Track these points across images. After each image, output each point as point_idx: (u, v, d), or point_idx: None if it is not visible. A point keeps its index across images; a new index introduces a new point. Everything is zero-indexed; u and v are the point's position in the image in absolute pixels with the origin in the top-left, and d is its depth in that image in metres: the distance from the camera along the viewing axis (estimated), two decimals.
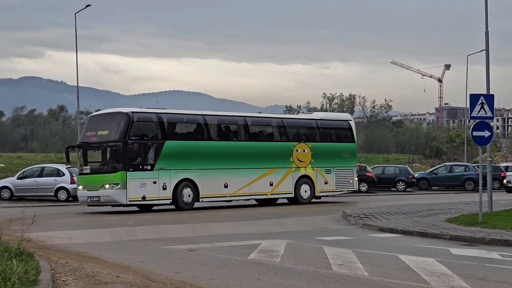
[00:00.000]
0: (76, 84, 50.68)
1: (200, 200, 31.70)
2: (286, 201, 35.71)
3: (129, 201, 29.57)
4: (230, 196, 33.28)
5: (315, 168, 35.59)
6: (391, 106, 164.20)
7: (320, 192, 35.85)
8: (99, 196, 29.50)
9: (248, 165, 33.38)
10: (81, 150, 31.53)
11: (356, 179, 38.55)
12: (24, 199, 37.42)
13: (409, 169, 53.26)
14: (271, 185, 33.96)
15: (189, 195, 31.02)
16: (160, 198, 30.48)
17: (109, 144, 30.30)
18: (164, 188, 30.36)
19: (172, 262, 14.31)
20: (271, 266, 13.75)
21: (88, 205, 31.20)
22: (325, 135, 37.21)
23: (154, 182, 30.11)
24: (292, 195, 34.88)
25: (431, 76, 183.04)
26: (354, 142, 38.21)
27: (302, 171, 35.17)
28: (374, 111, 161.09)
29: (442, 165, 55.19)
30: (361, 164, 51.44)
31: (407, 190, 47.95)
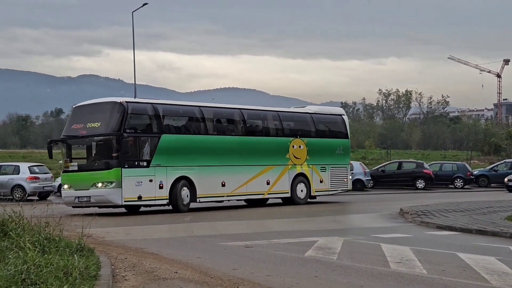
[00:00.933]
0: (134, 82, 51.21)
1: (198, 200, 29.10)
2: (277, 201, 34.56)
3: (125, 201, 26.59)
4: (227, 196, 30.98)
5: (310, 166, 33.71)
6: (448, 102, 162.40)
7: (315, 191, 33.81)
8: (90, 196, 26.29)
9: (246, 162, 31.18)
10: (65, 145, 28.20)
11: (350, 177, 36.92)
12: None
13: (467, 166, 52.42)
14: (268, 183, 31.75)
15: (187, 195, 28.42)
16: (156, 198, 27.64)
17: (101, 137, 27.00)
18: (161, 187, 27.56)
19: (229, 258, 14.38)
20: (328, 263, 13.72)
21: (74, 206, 27.26)
22: (320, 131, 35.20)
23: (150, 180, 27.21)
24: (288, 195, 32.73)
25: (489, 71, 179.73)
26: (347, 138, 36.54)
27: (298, 169, 33.22)
28: (431, 107, 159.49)
29: (502, 161, 54.19)
30: (418, 161, 51.10)
31: (465, 187, 47.31)
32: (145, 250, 15.52)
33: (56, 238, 13.12)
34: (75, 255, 11.73)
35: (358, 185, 42.05)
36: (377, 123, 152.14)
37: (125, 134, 25.80)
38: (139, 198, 26.95)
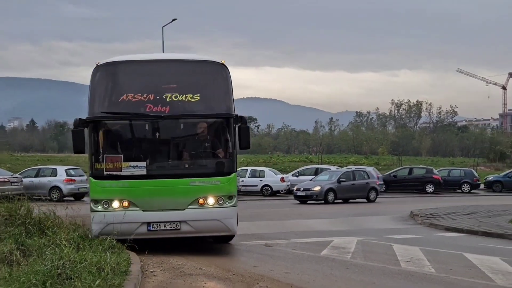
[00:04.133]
0: None
1: None
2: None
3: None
4: None
5: None
6: (456, 112, 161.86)
7: None
8: (185, 222, 13.78)
9: None
10: (106, 130, 14.21)
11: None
12: None
13: (474, 172, 52.00)
14: None
15: None
16: None
17: (208, 120, 14.39)
18: None
19: (251, 256, 14.40)
20: (342, 262, 13.70)
21: (137, 238, 13.43)
22: None
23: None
24: None
25: (495, 84, 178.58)
26: None
27: None
28: (440, 117, 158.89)
29: None
30: (428, 167, 50.75)
31: (472, 191, 46.95)
32: (172, 248, 15.53)
33: (90, 236, 13.21)
34: (107, 252, 11.78)
35: (371, 195, 39.58)
36: (390, 131, 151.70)
37: (242, 117, 14.19)
38: None
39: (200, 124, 14.27)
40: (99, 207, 13.58)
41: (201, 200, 13.68)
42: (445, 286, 11.10)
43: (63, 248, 11.18)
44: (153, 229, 13.62)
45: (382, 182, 43.59)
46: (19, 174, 35.38)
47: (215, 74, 14.35)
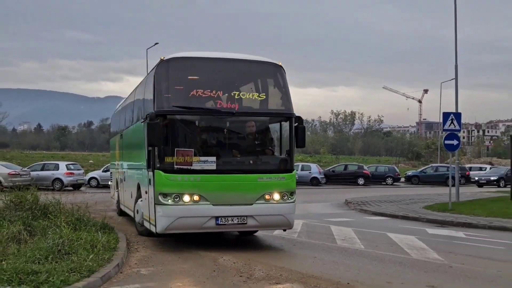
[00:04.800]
0: None
1: None
2: None
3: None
4: None
5: None
6: (382, 120, 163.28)
7: None
8: (251, 216, 11.64)
9: None
10: (170, 124, 11.49)
11: None
12: (107, 186, 37.65)
13: (396, 168, 52.67)
14: None
15: None
16: None
17: (273, 118, 12.50)
18: None
19: (199, 235, 14.28)
20: (290, 239, 13.70)
21: (203, 231, 11.89)
22: None
23: None
24: None
25: (413, 98, 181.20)
26: None
27: None
28: (370, 124, 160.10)
29: (429, 166, 54.32)
30: (359, 164, 51.17)
31: (394, 184, 47.42)
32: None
33: (85, 219, 13.04)
34: (99, 232, 11.69)
35: (314, 182, 42.31)
36: (329, 135, 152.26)
37: (299, 117, 12.30)
38: None
39: (266, 122, 12.35)
40: (169, 200, 11.11)
41: (267, 196, 11.62)
42: (372, 259, 11.17)
43: (63, 229, 11.03)
44: (221, 223, 11.42)
45: (323, 176, 43.96)
46: (28, 168, 34.94)
47: (276, 75, 12.32)
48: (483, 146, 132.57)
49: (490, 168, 52.37)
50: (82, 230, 11.61)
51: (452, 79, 25.56)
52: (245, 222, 11.54)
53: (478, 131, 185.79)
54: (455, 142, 20.99)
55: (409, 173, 51.35)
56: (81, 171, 36.59)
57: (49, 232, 10.83)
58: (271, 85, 12.33)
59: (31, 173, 33.41)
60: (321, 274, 9.49)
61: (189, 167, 11.12)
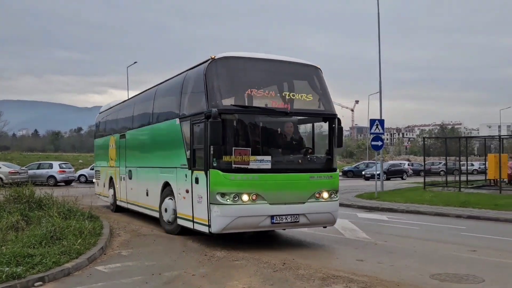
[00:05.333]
0: None
1: None
2: None
3: None
4: None
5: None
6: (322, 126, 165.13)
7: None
8: (303, 215, 9.96)
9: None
10: (244, 122, 9.83)
11: None
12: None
13: None
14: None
15: None
16: None
17: (319, 118, 10.74)
18: None
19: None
20: None
21: (257, 230, 10.20)
22: None
23: None
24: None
25: (347, 107, 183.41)
26: None
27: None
28: None
29: (361, 162, 54.90)
30: None
31: None
32: (133, 218, 15.19)
33: (74, 209, 12.75)
34: (86, 220, 11.45)
35: None
36: None
37: (338, 118, 10.78)
38: None
39: (315, 122, 10.72)
40: (228, 200, 9.24)
41: (317, 194, 10.05)
42: (313, 237, 11.25)
43: (55, 218, 10.78)
44: (276, 222, 9.66)
45: None
46: (25, 167, 34.19)
47: (317, 76, 10.70)
48: (402, 146, 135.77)
49: (375, 165, 53.69)
50: (72, 219, 11.34)
51: (377, 92, 25.99)
52: (298, 220, 9.88)
53: (398, 134, 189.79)
54: (379, 143, 21.39)
55: (345, 168, 51.80)
56: (72, 169, 35.88)
57: (43, 221, 10.56)
58: (315, 86, 10.68)
59: (29, 171, 32.75)
60: (259, 253, 9.50)
61: (246, 166, 9.39)
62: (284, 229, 11.01)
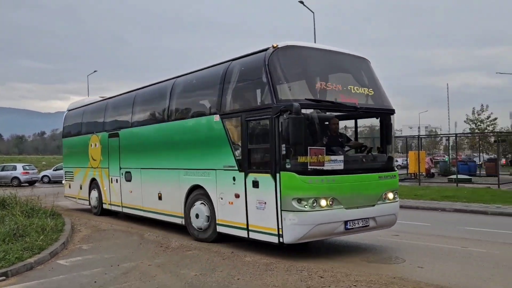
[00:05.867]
0: None
1: None
2: None
3: None
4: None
5: None
6: None
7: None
8: (373, 218, 8.18)
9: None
10: (313, 120, 7.89)
11: None
12: (57, 182, 35.63)
13: None
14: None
15: None
16: None
17: (383, 114, 8.70)
18: None
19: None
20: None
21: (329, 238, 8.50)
22: None
23: None
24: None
25: None
26: None
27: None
28: None
29: None
30: None
31: None
32: (92, 214, 14.76)
33: (37, 208, 12.27)
34: (49, 218, 11.06)
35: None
36: None
37: None
38: None
39: (379, 118, 8.73)
40: (306, 206, 7.37)
41: (384, 195, 8.33)
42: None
43: (18, 216, 10.34)
44: (350, 227, 7.86)
45: None
46: None
47: (371, 69, 8.96)
48: None
49: None
50: (35, 217, 10.91)
51: None
52: (368, 224, 8.11)
53: None
54: None
55: None
56: (35, 171, 34.46)
57: (6, 220, 10.09)
58: (371, 79, 8.78)
59: None
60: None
61: (321, 167, 7.53)
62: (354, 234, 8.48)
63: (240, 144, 8.34)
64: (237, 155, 8.38)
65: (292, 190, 7.41)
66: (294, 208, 7.37)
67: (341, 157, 7.76)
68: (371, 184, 8.14)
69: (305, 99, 7.57)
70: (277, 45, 7.90)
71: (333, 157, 7.67)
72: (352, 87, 8.29)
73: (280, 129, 7.46)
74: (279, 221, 7.53)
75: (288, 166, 7.46)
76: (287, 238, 7.50)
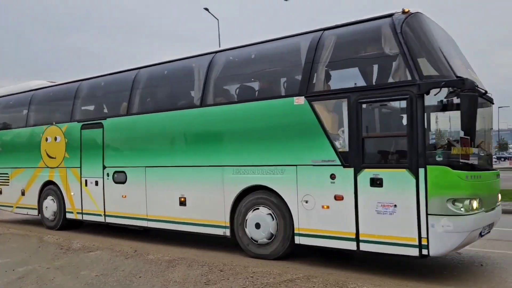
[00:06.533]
0: None
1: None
2: None
3: None
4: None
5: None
6: None
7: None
8: (493, 223, 6.77)
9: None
10: (455, 103, 5.81)
11: None
12: None
13: None
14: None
15: None
16: None
17: (489, 104, 6.99)
18: None
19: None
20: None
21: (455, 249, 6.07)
22: None
23: None
24: None
25: None
26: None
27: None
28: None
29: None
30: None
31: None
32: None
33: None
34: None
35: None
36: None
37: None
38: None
39: (485, 108, 7.07)
40: (462, 208, 5.89)
41: (498, 197, 7.07)
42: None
43: None
44: (483, 234, 6.51)
45: None
46: None
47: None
48: None
49: None
50: None
51: None
52: (489, 230, 6.81)
53: None
54: None
55: None
56: None
57: None
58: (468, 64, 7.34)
59: None
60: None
61: (467, 161, 6.03)
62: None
63: (345, 132, 6.61)
64: (338, 146, 6.68)
65: (445, 189, 5.91)
66: (449, 212, 5.87)
67: (477, 150, 6.46)
68: (495, 183, 6.93)
69: (456, 76, 5.99)
70: (408, 10, 6.42)
71: (475, 150, 6.32)
72: (470, 71, 6.87)
73: (423, 112, 5.91)
74: (421, 229, 6.02)
75: (439, 159, 5.96)
76: (436, 250, 5.97)
